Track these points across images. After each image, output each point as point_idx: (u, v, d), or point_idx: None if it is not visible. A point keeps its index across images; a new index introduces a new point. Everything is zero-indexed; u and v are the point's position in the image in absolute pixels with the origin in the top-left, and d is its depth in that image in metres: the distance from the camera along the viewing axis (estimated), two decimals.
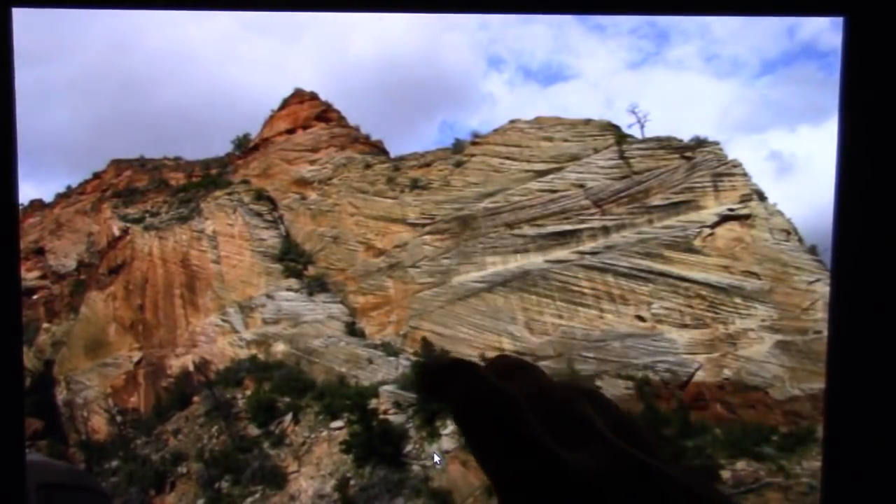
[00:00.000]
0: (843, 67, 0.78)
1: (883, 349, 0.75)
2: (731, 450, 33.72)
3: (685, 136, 46.35)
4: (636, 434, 0.59)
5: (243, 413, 46.80)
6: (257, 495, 40.64)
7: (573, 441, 0.53)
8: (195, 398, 50.50)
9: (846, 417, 0.75)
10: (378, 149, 63.04)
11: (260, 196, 60.44)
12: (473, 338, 45.24)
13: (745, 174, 42.84)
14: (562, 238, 45.21)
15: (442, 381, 0.55)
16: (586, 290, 43.28)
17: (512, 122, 51.90)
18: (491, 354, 38.39)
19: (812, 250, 40.40)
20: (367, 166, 57.22)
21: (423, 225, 50.63)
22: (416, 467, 38.07)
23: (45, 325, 70.18)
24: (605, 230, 44.45)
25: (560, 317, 43.58)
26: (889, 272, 0.76)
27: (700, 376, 38.79)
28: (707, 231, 41.65)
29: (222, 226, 58.92)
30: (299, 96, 66.47)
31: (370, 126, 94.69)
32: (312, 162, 61.12)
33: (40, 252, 76.08)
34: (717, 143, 44.69)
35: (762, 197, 42.22)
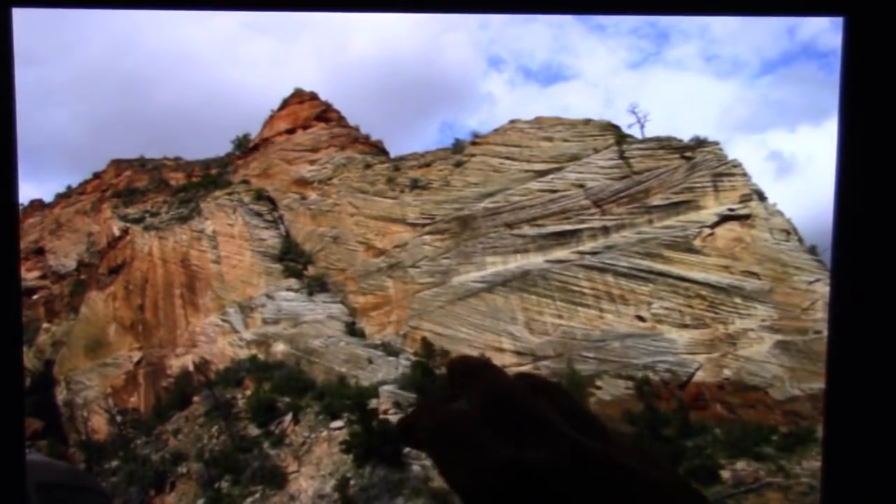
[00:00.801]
0: (843, 67, 0.77)
1: (883, 349, 0.75)
2: (731, 450, 33.73)
3: (685, 136, 46.42)
4: (591, 424, 0.61)
5: (243, 413, 46.79)
6: (257, 495, 40.64)
7: (533, 440, 0.55)
8: (195, 398, 50.49)
9: (846, 417, 0.75)
10: (378, 149, 63.03)
11: (260, 196, 60.43)
12: (473, 338, 45.23)
13: (744, 174, 42.84)
14: (562, 238, 45.20)
15: (409, 430, 0.59)
16: (586, 290, 43.27)
17: (512, 122, 51.89)
18: (491, 354, 38.09)
19: (812, 250, 40.40)
20: (367, 166, 57.21)
21: (423, 225, 50.62)
22: (416, 467, 38.05)
23: (45, 325, 70.18)
24: (605, 230, 44.44)
25: (560, 317, 43.57)
26: (889, 272, 0.76)
27: (700, 376, 38.79)
28: (707, 231, 41.65)
29: (222, 226, 58.92)
30: (299, 96, 66.47)
31: (370, 126, 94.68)
32: (312, 162, 61.12)
33: (40, 252, 76.07)
34: (717, 143, 44.71)
35: (762, 197, 42.21)
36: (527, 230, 46.28)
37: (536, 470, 0.52)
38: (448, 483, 0.55)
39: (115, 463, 47.15)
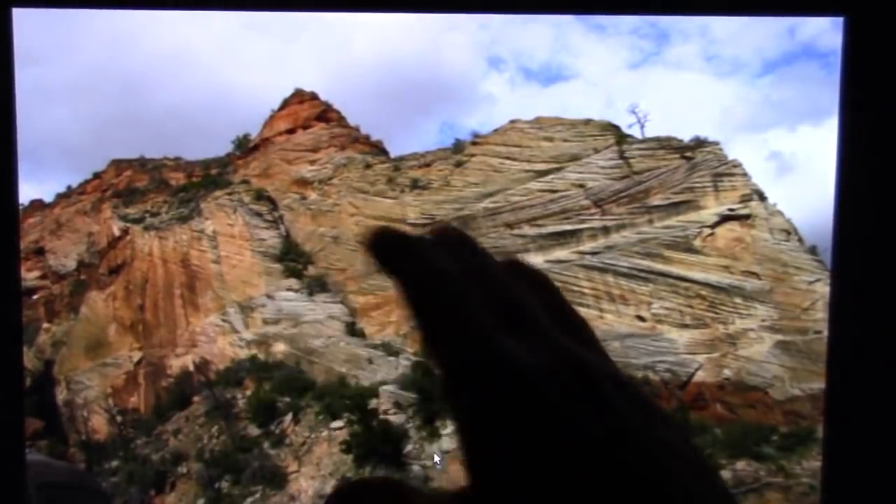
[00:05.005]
0: (843, 67, 0.77)
1: (883, 349, 0.75)
2: (731, 450, 33.74)
3: (685, 136, 46.36)
4: (576, 324, 0.55)
5: (243, 413, 46.81)
6: (257, 495, 40.66)
7: (515, 329, 0.48)
8: (195, 398, 50.52)
9: (846, 417, 0.75)
10: (378, 149, 63.04)
11: (260, 196, 60.45)
12: None
13: (745, 174, 42.84)
14: (562, 238, 45.21)
15: (393, 255, 0.51)
16: (586, 290, 43.28)
17: (512, 122, 51.90)
18: None
19: (812, 250, 40.41)
20: (367, 166, 57.22)
21: (424, 225, 50.63)
22: (416, 467, 38.08)
23: (45, 325, 70.18)
24: (605, 230, 44.46)
25: None
26: (889, 272, 0.76)
27: (700, 376, 38.79)
28: (707, 231, 41.65)
29: (222, 226, 58.93)
30: (299, 96, 66.47)
31: (370, 126, 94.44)
32: (312, 162, 61.13)
33: (40, 252, 76.07)
34: (717, 143, 44.71)
35: (762, 197, 42.23)
36: (527, 230, 46.30)
37: (520, 365, 0.45)
38: (427, 345, 0.48)
39: (115, 463, 47.20)
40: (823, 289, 36.46)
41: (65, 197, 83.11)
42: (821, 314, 35.90)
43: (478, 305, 0.48)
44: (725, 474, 32.78)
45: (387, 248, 0.51)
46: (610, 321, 42.16)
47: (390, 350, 47.77)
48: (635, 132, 47.86)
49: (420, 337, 0.48)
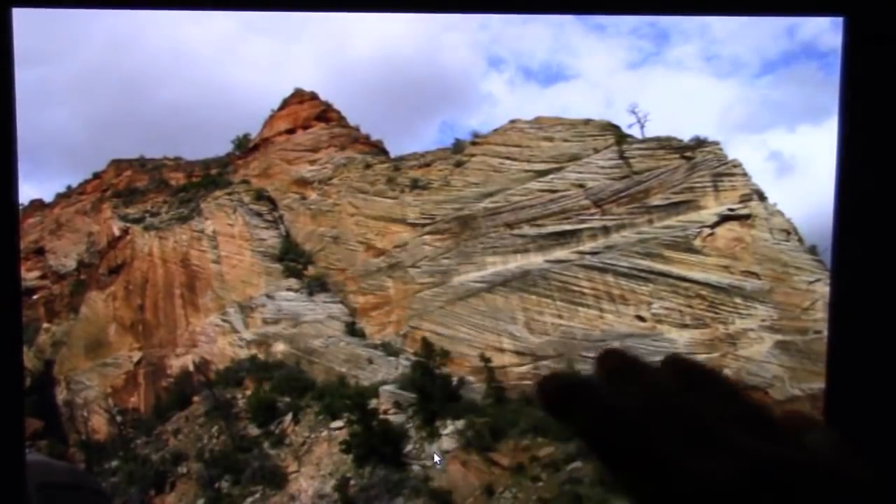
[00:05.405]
0: (843, 67, 0.77)
1: (883, 349, 0.75)
2: None
3: (685, 136, 46.32)
4: (760, 416, 0.53)
5: (243, 413, 46.81)
6: (257, 495, 40.66)
7: (699, 446, 0.48)
8: (195, 398, 50.52)
9: (846, 417, 0.75)
10: (378, 149, 63.00)
11: (260, 196, 60.42)
12: (473, 338, 45.22)
13: (745, 174, 42.83)
14: (562, 238, 45.19)
15: (563, 406, 0.51)
16: (586, 290, 43.27)
17: (512, 122, 51.87)
18: (491, 354, 37.94)
19: (812, 250, 40.40)
20: (367, 166, 57.19)
21: (423, 225, 50.61)
22: (416, 467, 38.08)
23: (45, 325, 70.13)
24: (605, 230, 44.44)
25: (560, 317, 43.57)
26: (889, 272, 0.75)
27: None
28: (707, 231, 41.64)
29: (222, 226, 58.91)
30: (299, 96, 66.42)
31: (370, 126, 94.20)
32: (312, 162, 61.10)
33: (40, 252, 76.02)
34: (717, 143, 44.69)
35: (762, 197, 42.22)
36: (527, 230, 46.27)
37: (709, 483, 0.45)
38: (614, 481, 0.48)
39: (115, 463, 47.20)
40: (823, 289, 36.46)
41: (65, 197, 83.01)
42: (821, 314, 35.90)
43: (660, 433, 0.48)
44: None
45: (557, 399, 0.51)
46: (610, 321, 42.16)
47: (390, 350, 47.77)
48: (635, 132, 47.87)
49: (612, 480, 0.48)
